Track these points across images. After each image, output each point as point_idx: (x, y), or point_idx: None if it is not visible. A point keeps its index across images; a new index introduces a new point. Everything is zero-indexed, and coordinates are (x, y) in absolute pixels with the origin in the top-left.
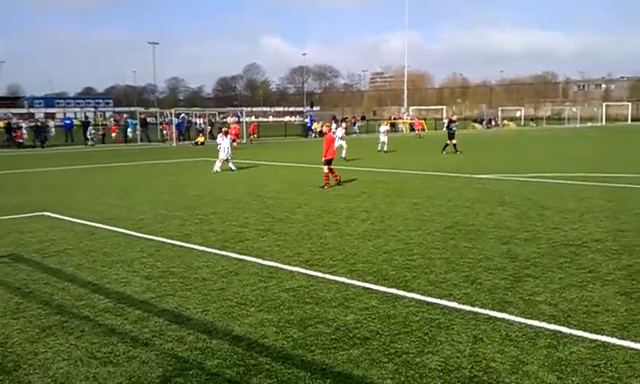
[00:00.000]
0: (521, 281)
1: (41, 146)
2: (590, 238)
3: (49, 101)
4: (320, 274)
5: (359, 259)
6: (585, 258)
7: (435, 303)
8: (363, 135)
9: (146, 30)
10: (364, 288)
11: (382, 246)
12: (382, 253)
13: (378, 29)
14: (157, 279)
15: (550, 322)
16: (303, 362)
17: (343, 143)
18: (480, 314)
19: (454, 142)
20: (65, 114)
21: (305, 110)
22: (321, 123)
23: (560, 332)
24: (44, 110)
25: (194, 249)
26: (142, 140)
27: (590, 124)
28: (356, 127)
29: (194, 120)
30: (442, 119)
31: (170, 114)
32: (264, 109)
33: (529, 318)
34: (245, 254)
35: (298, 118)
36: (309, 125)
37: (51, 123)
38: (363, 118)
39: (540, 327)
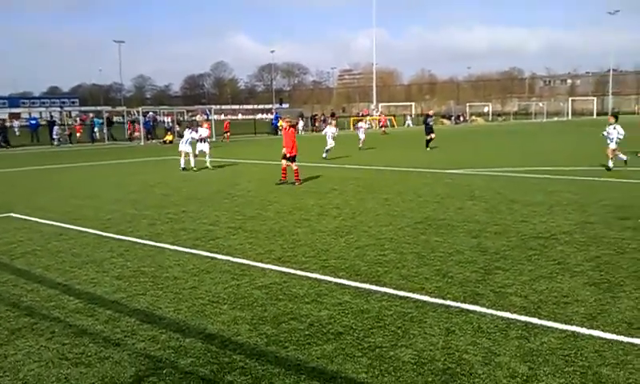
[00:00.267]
0: (491, 273)
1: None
2: (558, 230)
3: (13, 101)
4: (292, 271)
5: (331, 255)
6: (554, 250)
7: (408, 297)
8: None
9: (112, 28)
10: (337, 284)
11: (354, 241)
12: (354, 248)
13: (346, 26)
14: (127, 279)
15: (521, 314)
16: (277, 359)
17: (332, 143)
18: (452, 306)
19: (433, 136)
20: (30, 113)
21: (274, 108)
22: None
23: (531, 323)
24: (8, 110)
25: (164, 248)
26: (108, 139)
27: (556, 118)
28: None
29: (160, 118)
30: (411, 115)
31: (137, 112)
32: (232, 107)
33: (500, 310)
34: (216, 252)
35: (267, 116)
36: (274, 122)
37: (16, 123)
38: (333, 115)
39: (511, 319)
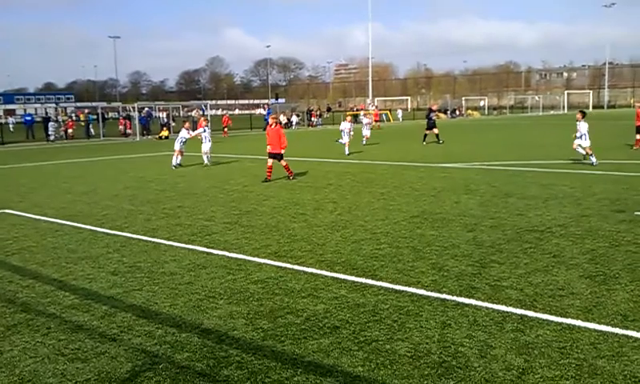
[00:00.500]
0: (487, 267)
1: None
2: (553, 223)
3: (8, 97)
4: (289, 266)
5: (327, 250)
6: (549, 243)
7: (404, 291)
8: (328, 127)
9: (107, 23)
10: (333, 278)
11: (350, 236)
12: (350, 243)
13: (342, 20)
14: (123, 274)
15: (517, 307)
16: (274, 353)
17: (346, 139)
18: (448, 300)
19: (436, 131)
20: (25, 110)
21: (270, 102)
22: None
23: (526, 316)
24: (3, 106)
25: (160, 243)
26: (103, 135)
27: (552, 112)
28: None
29: (155, 114)
30: (406, 109)
31: (133, 108)
32: (228, 101)
33: (495, 303)
34: (212, 248)
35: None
36: (266, 118)
37: (10, 119)
38: (329, 110)
39: (507, 312)
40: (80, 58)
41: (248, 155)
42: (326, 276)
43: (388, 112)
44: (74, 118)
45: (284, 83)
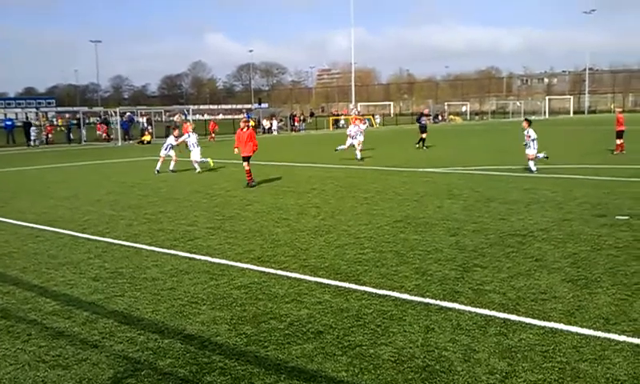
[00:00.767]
0: (470, 271)
1: None
2: (535, 227)
3: None
4: (272, 271)
5: (311, 254)
6: (531, 247)
7: (387, 295)
8: (312, 132)
9: (88, 27)
10: (316, 283)
11: (334, 240)
12: (333, 247)
13: (324, 26)
14: (105, 280)
15: (500, 311)
16: (257, 358)
17: (355, 142)
18: (431, 304)
19: (424, 136)
20: (5, 114)
21: (253, 107)
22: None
23: (509, 320)
24: None
25: (142, 249)
26: (83, 140)
27: (534, 117)
28: (303, 124)
29: (135, 119)
30: (389, 114)
31: (115, 112)
32: (211, 106)
33: (479, 307)
34: (195, 253)
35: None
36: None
37: None
38: (312, 115)
39: (490, 315)
40: (61, 62)
41: (233, 160)
42: (309, 281)
43: (371, 117)
44: (53, 122)
45: (267, 88)
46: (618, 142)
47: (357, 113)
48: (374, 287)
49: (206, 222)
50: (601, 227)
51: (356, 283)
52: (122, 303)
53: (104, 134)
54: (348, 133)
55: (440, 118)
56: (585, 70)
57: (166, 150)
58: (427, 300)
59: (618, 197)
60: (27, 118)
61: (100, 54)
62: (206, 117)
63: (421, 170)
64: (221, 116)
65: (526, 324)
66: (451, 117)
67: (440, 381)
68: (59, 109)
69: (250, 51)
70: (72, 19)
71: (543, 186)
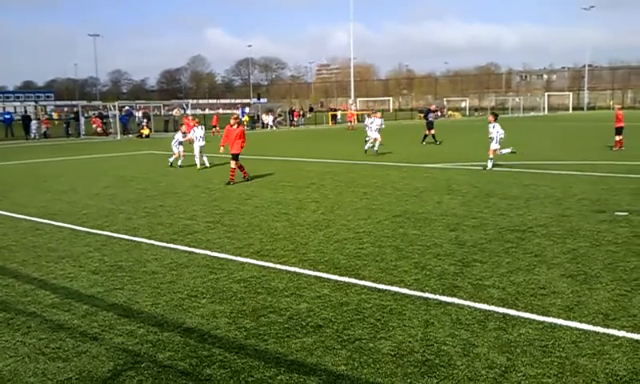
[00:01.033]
0: (469, 266)
1: None
2: (535, 223)
3: None
4: (271, 265)
5: (310, 249)
6: (530, 242)
7: (386, 290)
8: (311, 127)
9: (87, 21)
10: (316, 277)
11: (333, 235)
12: (332, 242)
13: (323, 21)
14: (104, 274)
15: (499, 305)
16: (257, 352)
17: (378, 136)
18: (430, 299)
19: (433, 132)
20: (4, 108)
21: (252, 102)
22: (270, 115)
23: (508, 315)
24: None
25: (141, 242)
26: (80, 134)
27: (532, 113)
28: (302, 119)
29: (134, 113)
30: (388, 110)
31: (113, 106)
32: (210, 101)
33: (478, 302)
34: (194, 247)
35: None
36: (241, 117)
37: None
38: (311, 110)
39: (489, 310)
40: (60, 56)
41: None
42: (308, 275)
43: (370, 112)
44: (52, 116)
45: (266, 83)
46: (617, 138)
47: (354, 108)
48: (373, 282)
49: (206, 216)
50: (600, 223)
51: (355, 277)
52: (121, 296)
53: (98, 128)
54: (368, 126)
55: (439, 113)
56: (584, 66)
57: (177, 145)
58: (426, 295)
59: (617, 193)
60: (26, 111)
61: (99, 48)
62: (207, 111)
63: (420, 165)
64: (221, 111)
65: (526, 319)
66: (450, 113)
67: (439, 375)
68: (58, 103)
69: (249, 46)
70: (71, 13)
71: (542, 181)
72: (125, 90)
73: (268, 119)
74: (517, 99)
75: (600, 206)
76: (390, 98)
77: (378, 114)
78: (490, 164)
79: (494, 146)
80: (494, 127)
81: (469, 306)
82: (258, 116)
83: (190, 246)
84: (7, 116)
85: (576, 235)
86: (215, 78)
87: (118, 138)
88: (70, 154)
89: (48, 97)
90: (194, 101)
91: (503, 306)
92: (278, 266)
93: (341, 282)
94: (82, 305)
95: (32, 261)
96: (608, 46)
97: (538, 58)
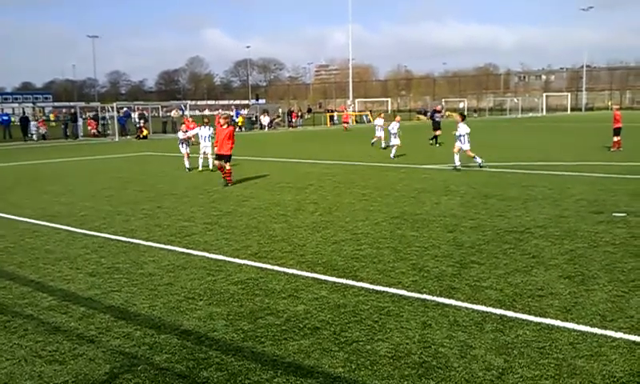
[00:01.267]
0: (467, 267)
1: None
2: (533, 224)
3: None
4: (269, 266)
5: (308, 250)
6: (528, 243)
7: (384, 291)
8: (309, 127)
9: (85, 23)
10: (313, 279)
11: (331, 236)
12: (330, 243)
13: (321, 22)
14: (102, 276)
15: (496, 307)
16: (254, 354)
17: (398, 142)
18: (428, 300)
19: (439, 133)
20: (2, 109)
21: (250, 103)
22: (268, 116)
23: (506, 316)
24: None
25: (139, 244)
26: (77, 136)
27: (531, 114)
28: (300, 120)
29: (131, 114)
30: (386, 111)
31: (112, 108)
32: (208, 102)
33: (475, 304)
34: (192, 248)
35: (244, 111)
36: (234, 118)
37: None
38: (309, 111)
39: (486, 312)
40: (58, 57)
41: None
42: (306, 277)
43: (369, 113)
44: (49, 117)
45: (264, 84)
46: (615, 139)
47: (352, 109)
48: (371, 283)
49: (203, 217)
50: (598, 224)
51: (353, 279)
52: (118, 298)
53: (93, 130)
54: (389, 129)
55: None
56: (582, 67)
57: (181, 146)
58: (424, 296)
59: (615, 194)
60: (24, 112)
61: (97, 49)
62: (207, 112)
63: (418, 166)
64: (220, 111)
65: (523, 320)
66: (448, 113)
67: (436, 377)
68: (56, 104)
69: (248, 47)
70: (69, 14)
71: (540, 182)
72: (123, 91)
73: (264, 120)
74: (515, 100)
75: (598, 206)
76: (389, 99)
77: (398, 118)
78: (479, 160)
79: (462, 145)
80: (460, 127)
81: (466, 308)
82: (256, 117)
83: (187, 248)
84: (5, 117)
85: (574, 236)
86: (214, 79)
87: (117, 139)
88: (68, 155)
89: (46, 98)
90: (193, 102)
91: (501, 308)
92: (276, 268)
93: (338, 283)
94: (79, 307)
95: (29, 263)
96: (606, 47)
97: (536, 58)
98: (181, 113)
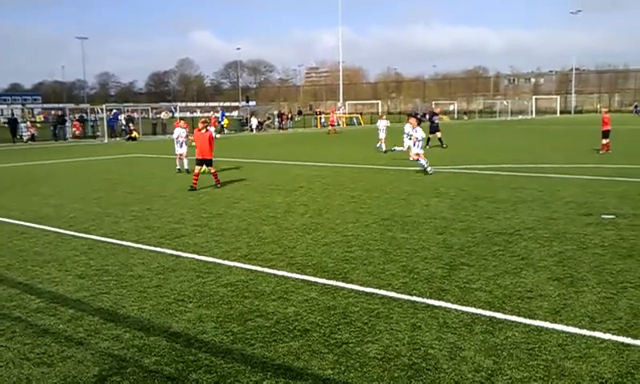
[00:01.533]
0: (457, 269)
1: None
2: (522, 226)
3: None
4: (259, 268)
5: (298, 252)
6: (518, 245)
7: (374, 293)
8: (299, 130)
9: (75, 24)
10: (303, 280)
11: (321, 238)
12: (320, 245)
13: (311, 24)
14: (90, 278)
15: (486, 309)
16: (243, 356)
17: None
18: (418, 302)
19: (439, 135)
20: None
21: (240, 105)
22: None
23: (495, 318)
24: None
25: (128, 246)
26: (71, 137)
27: (520, 117)
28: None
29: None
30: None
31: (101, 109)
32: (198, 104)
33: (465, 305)
34: (181, 250)
35: (234, 113)
36: (220, 120)
37: None
38: (300, 113)
39: (476, 314)
40: (47, 58)
41: (223, 158)
42: (296, 279)
43: (359, 115)
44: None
45: (254, 86)
46: (604, 141)
47: (342, 111)
48: (361, 285)
49: (193, 219)
50: (587, 226)
51: (343, 281)
52: (107, 301)
53: (77, 131)
54: (406, 132)
55: (427, 116)
56: (571, 70)
57: (178, 147)
58: (414, 298)
59: (604, 196)
60: (13, 114)
61: (87, 50)
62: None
63: (408, 168)
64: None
65: (512, 322)
66: (439, 116)
67: (426, 378)
68: (45, 105)
69: (238, 49)
70: (59, 15)
71: (530, 184)
72: (113, 93)
73: (253, 122)
74: (505, 102)
75: (587, 209)
76: (379, 101)
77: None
78: (424, 163)
79: (416, 150)
80: (416, 131)
81: (456, 310)
82: (247, 119)
83: (177, 250)
84: None
85: (563, 238)
86: (204, 81)
87: (106, 140)
88: (57, 157)
89: (35, 99)
90: (183, 103)
91: (490, 310)
92: (266, 270)
93: (328, 285)
94: (68, 309)
95: (17, 265)
96: (595, 50)
97: (525, 61)
98: (170, 115)
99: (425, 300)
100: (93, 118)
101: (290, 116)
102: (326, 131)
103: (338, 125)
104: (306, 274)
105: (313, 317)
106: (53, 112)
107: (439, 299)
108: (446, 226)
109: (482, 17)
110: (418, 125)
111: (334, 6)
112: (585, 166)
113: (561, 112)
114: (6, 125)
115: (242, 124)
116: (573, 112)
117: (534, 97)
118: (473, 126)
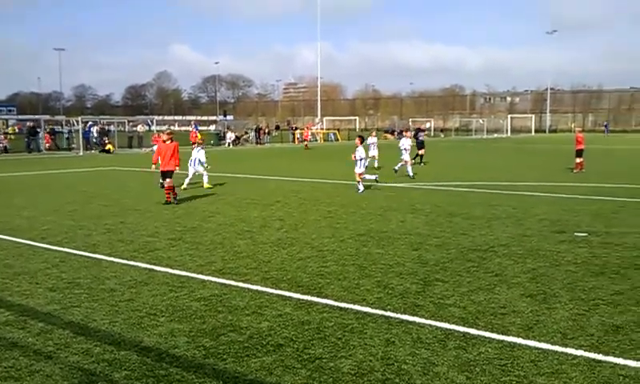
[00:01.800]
0: (431, 285)
1: None
2: (496, 242)
3: None
4: (233, 283)
5: (273, 267)
6: (492, 262)
7: (348, 308)
8: (277, 144)
9: (52, 35)
10: (278, 295)
11: (296, 253)
12: (296, 260)
13: (290, 39)
14: (62, 291)
15: (459, 324)
16: (215, 371)
17: (406, 157)
18: (392, 317)
19: (422, 152)
20: None
21: (218, 119)
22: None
23: (469, 333)
24: None
25: (101, 259)
26: (45, 149)
27: (496, 135)
28: (267, 137)
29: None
30: (354, 129)
31: (77, 121)
32: (175, 117)
33: (439, 321)
34: (155, 264)
35: (212, 127)
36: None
37: None
38: (277, 128)
39: (450, 329)
40: (23, 69)
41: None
42: (270, 293)
43: (337, 131)
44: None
45: (232, 100)
46: (578, 160)
47: (318, 127)
48: (335, 300)
49: (168, 233)
50: (560, 243)
51: (318, 296)
52: (78, 314)
53: (47, 144)
54: (401, 146)
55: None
56: (546, 89)
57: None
58: (388, 313)
59: (577, 214)
60: None
61: (63, 62)
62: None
63: (384, 184)
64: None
65: (485, 338)
66: (424, 132)
67: None
68: (20, 117)
69: (216, 63)
70: (35, 26)
71: (504, 202)
72: (89, 105)
73: (228, 137)
74: (480, 121)
75: (560, 226)
76: (357, 118)
77: (409, 134)
78: (361, 187)
79: (358, 170)
80: (358, 151)
81: (430, 325)
82: (224, 133)
83: (150, 264)
84: None
85: (536, 255)
86: (181, 95)
87: (81, 153)
88: (31, 169)
89: (10, 110)
90: (160, 117)
91: (464, 325)
92: (240, 284)
93: (303, 300)
94: (38, 322)
95: None
96: (570, 71)
97: (501, 80)
98: (147, 128)
99: (399, 315)
100: (68, 130)
101: (267, 131)
102: (302, 146)
103: (315, 140)
104: (281, 289)
105: (286, 332)
106: (27, 123)
107: (413, 315)
108: (421, 242)
109: (458, 35)
110: (361, 143)
111: (313, 22)
112: (559, 185)
113: (536, 131)
114: None
115: (220, 138)
116: (547, 131)
117: (509, 116)
118: (449, 144)
